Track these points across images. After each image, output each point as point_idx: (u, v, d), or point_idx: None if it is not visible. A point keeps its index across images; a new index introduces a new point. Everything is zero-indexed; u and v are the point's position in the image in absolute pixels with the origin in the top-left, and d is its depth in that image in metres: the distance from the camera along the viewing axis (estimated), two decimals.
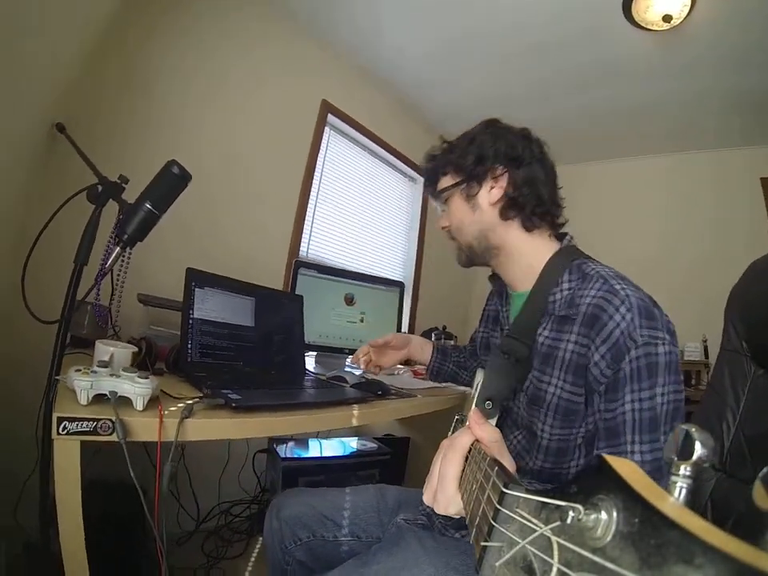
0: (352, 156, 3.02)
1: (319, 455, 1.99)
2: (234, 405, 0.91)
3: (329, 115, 2.73)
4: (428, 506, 0.63)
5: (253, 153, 2.32)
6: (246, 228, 2.26)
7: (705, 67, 2.49)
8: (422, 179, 3.47)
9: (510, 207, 0.96)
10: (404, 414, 1.39)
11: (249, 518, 2.15)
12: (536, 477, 0.87)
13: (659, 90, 2.76)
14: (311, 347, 1.83)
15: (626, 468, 0.26)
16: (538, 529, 0.31)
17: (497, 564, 0.36)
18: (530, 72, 2.79)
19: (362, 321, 1.99)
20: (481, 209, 0.99)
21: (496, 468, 0.45)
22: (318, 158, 2.68)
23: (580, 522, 0.26)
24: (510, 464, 0.57)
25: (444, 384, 1.74)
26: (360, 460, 2.04)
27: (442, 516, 0.99)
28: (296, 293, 1.77)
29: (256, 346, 1.38)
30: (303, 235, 2.54)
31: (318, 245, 2.70)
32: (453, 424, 0.99)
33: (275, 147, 2.43)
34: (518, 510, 0.36)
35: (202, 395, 0.95)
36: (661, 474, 0.69)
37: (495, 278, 1.10)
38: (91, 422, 0.73)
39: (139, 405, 0.81)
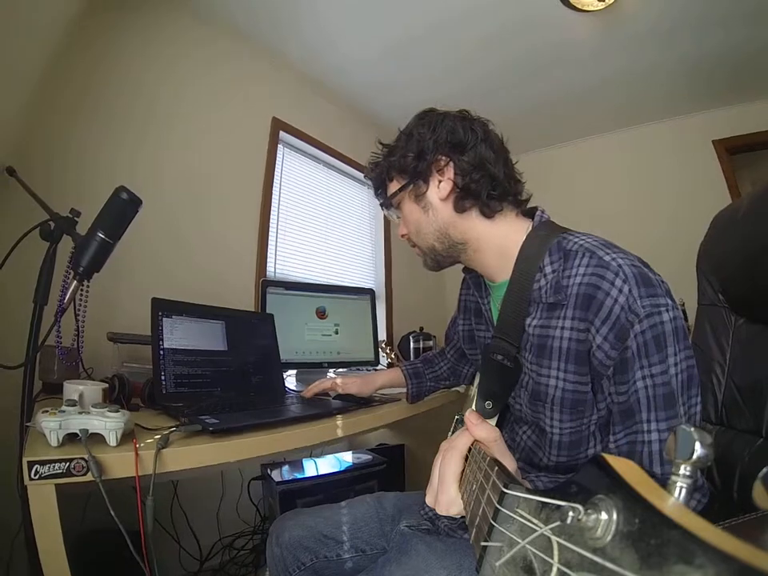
0: (308, 170, 3.00)
1: (315, 474, 1.94)
2: (211, 429, 0.89)
3: (281, 132, 2.71)
4: (429, 508, 0.62)
5: (212, 175, 2.29)
6: (212, 251, 2.22)
7: (646, 41, 2.54)
8: None
9: (463, 198, 0.89)
10: (390, 418, 1.38)
11: (252, 549, 2.08)
12: (552, 471, 0.84)
13: (606, 69, 2.81)
14: (289, 365, 1.80)
15: (626, 467, 0.27)
16: (538, 529, 0.31)
17: (497, 564, 0.36)
18: (478, 67, 2.81)
19: (336, 332, 1.97)
20: (433, 207, 0.91)
21: (496, 468, 0.45)
22: (275, 176, 2.65)
23: (580, 522, 0.26)
24: (510, 463, 0.56)
25: None
26: (357, 473, 2.00)
27: (446, 518, 0.99)
28: (267, 312, 1.74)
29: (232, 370, 1.36)
30: (269, 254, 2.51)
31: (285, 262, 2.67)
32: (453, 424, 0.98)
33: (232, 168, 2.40)
34: (518, 509, 0.36)
35: (178, 424, 0.92)
36: None
37: (469, 268, 1.02)
38: (63, 464, 0.71)
39: (112, 440, 0.78)
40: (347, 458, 2.18)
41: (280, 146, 2.72)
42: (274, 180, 2.64)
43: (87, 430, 0.76)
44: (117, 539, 0.79)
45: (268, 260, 2.49)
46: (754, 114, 3.10)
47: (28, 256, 1.07)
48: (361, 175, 3.25)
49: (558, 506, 0.29)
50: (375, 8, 2.33)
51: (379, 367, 2.21)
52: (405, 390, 1.39)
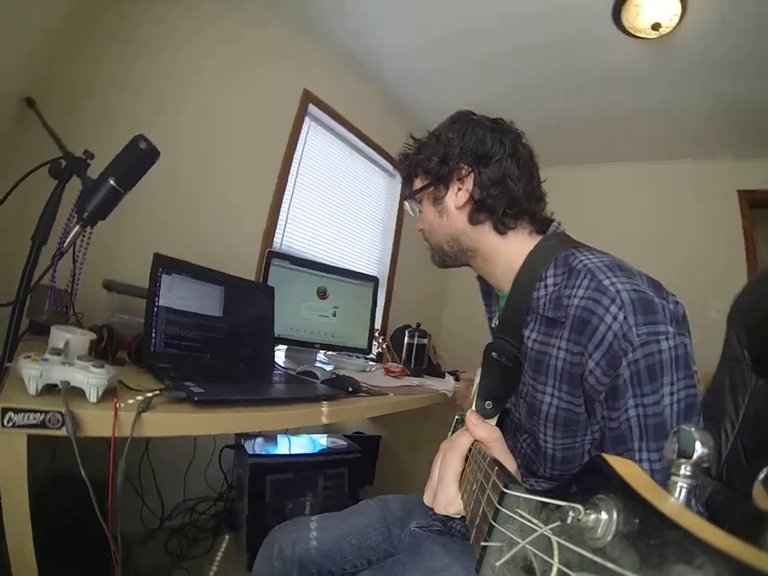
0: (331, 148, 2.96)
1: (288, 452, 1.94)
2: (196, 398, 0.86)
3: (309, 105, 2.67)
4: (429, 508, 0.61)
5: (231, 138, 2.25)
6: (220, 215, 2.19)
7: (691, 78, 2.51)
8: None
9: (478, 210, 0.89)
10: (375, 412, 1.36)
11: (214, 515, 2.08)
12: (548, 480, 0.84)
13: (645, 98, 2.78)
14: (281, 340, 1.77)
15: (627, 468, 0.26)
16: (538, 529, 0.31)
17: (497, 564, 0.36)
18: (518, 73, 2.78)
19: (334, 315, 1.94)
20: (448, 213, 0.92)
21: (496, 468, 0.46)
22: (297, 148, 2.62)
23: (580, 522, 0.26)
24: (510, 464, 0.56)
25: (416, 383, 1.72)
26: (329, 458, 2.00)
27: (461, 519, 0.97)
28: (268, 284, 1.71)
29: (224, 337, 1.33)
30: (278, 225, 2.48)
31: (293, 236, 2.64)
32: (453, 424, 0.97)
33: (254, 134, 2.36)
34: (518, 510, 0.37)
35: (162, 387, 0.90)
36: None
37: (481, 277, 1.02)
38: (39, 414, 0.68)
39: (93, 396, 0.75)
40: (322, 440, 2.17)
41: (306, 119, 2.69)
42: (295, 152, 2.60)
43: (68, 383, 0.73)
44: (84, 491, 0.77)
45: (276, 232, 2.46)
46: None
47: (34, 194, 1.03)
48: (383, 161, 3.27)
49: (558, 506, 0.29)
50: None
51: (370, 356, 2.19)
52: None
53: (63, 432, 0.69)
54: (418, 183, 0.98)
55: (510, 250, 0.89)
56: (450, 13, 2.36)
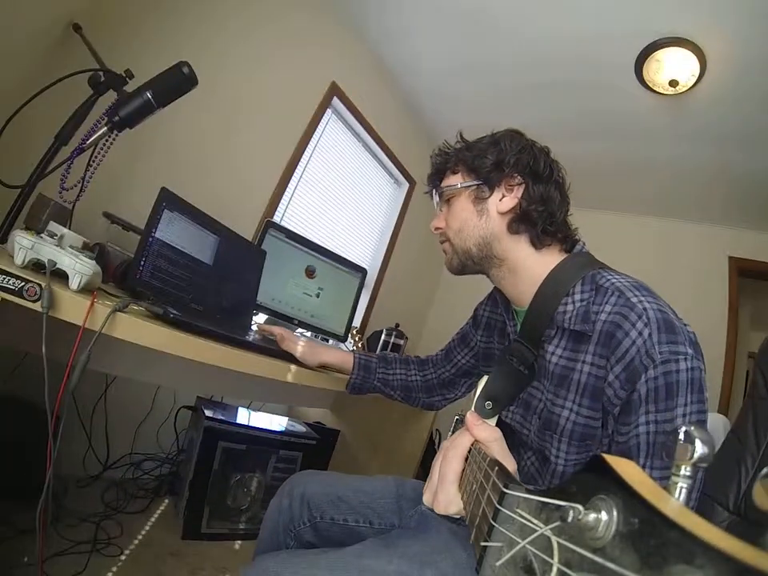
0: (346, 143, 3.02)
1: (245, 423, 1.91)
2: (171, 315, 0.88)
3: (334, 98, 2.73)
4: (428, 507, 0.61)
5: (255, 107, 2.26)
6: (230, 174, 2.19)
7: (701, 139, 2.59)
8: (406, 184, 3.49)
9: (520, 220, 0.90)
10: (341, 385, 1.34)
11: (158, 477, 2.04)
12: None
13: (654, 153, 2.86)
14: (262, 308, 1.78)
15: (627, 468, 0.26)
16: (538, 529, 0.31)
17: (497, 564, 0.36)
18: (535, 109, 2.85)
19: (317, 296, 1.95)
20: (488, 215, 0.92)
21: (496, 468, 0.46)
22: (314, 136, 2.68)
23: (580, 522, 0.26)
24: (510, 464, 0.57)
25: None
26: (286, 439, 1.97)
27: (461, 519, 0.97)
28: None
29: (208, 285, 1.34)
30: (282, 203, 2.52)
31: (293, 215, 2.67)
32: (453, 424, 0.98)
33: (277, 110, 2.38)
34: (518, 509, 0.37)
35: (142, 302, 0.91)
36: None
37: (498, 290, 1.03)
38: (19, 281, 0.69)
39: (75, 283, 0.77)
40: (282, 421, 2.16)
41: (328, 111, 2.76)
42: (311, 139, 2.66)
43: (55, 263, 0.76)
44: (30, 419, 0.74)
45: (279, 207, 2.49)
46: None
47: (71, 105, 1.06)
48: (393, 168, 3.33)
49: (558, 506, 0.29)
50: (461, 21, 2.38)
51: (342, 346, 2.20)
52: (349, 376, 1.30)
53: (37, 306, 0.70)
54: (456, 179, 0.97)
55: (538, 265, 0.90)
56: (487, 42, 2.44)
